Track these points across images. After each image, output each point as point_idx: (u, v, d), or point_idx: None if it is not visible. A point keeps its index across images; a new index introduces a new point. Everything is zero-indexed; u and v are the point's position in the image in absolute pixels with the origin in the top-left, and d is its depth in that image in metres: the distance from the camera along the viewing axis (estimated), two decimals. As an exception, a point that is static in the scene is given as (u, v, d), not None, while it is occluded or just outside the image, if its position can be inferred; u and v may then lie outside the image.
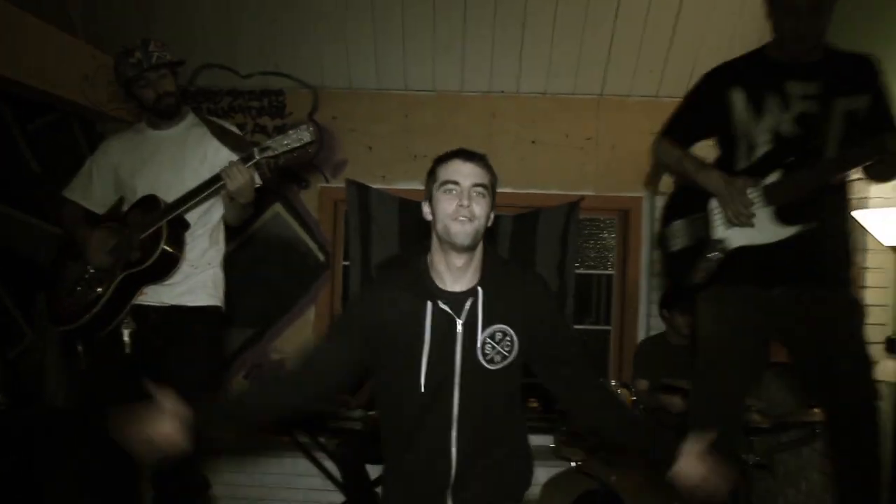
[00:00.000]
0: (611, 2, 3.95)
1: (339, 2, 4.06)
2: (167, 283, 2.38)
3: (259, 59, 4.31)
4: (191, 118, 2.56)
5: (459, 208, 1.67)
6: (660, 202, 4.24)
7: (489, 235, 1.79)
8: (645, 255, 4.35)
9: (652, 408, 3.44)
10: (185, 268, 2.40)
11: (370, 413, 3.40)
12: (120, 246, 2.35)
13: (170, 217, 2.30)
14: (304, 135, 2.26)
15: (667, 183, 4.22)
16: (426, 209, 1.77)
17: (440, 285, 1.74)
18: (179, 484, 2.40)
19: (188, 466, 2.41)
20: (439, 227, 1.70)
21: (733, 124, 2.18)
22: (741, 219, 2.10)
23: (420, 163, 4.28)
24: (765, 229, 2.09)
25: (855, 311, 2.21)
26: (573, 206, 4.28)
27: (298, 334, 4.27)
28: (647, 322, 4.24)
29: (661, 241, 2.41)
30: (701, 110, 2.28)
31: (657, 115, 4.19)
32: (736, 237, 2.14)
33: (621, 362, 4.33)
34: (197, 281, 2.45)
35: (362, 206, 4.25)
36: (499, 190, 4.34)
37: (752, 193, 2.09)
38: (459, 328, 1.70)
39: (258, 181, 2.43)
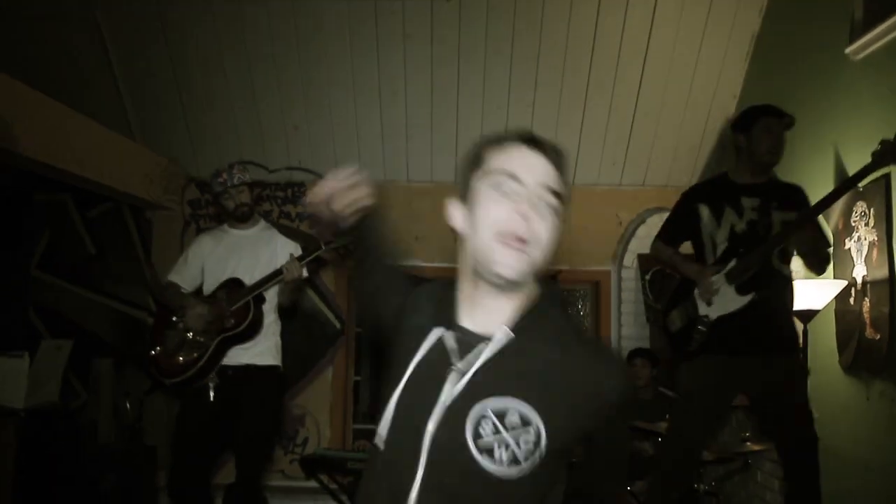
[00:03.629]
0: (578, 106, 4.76)
1: (351, 108, 4.88)
2: (244, 346, 3.07)
3: (284, 157, 5.09)
4: (262, 223, 3.33)
5: (515, 221, 1.14)
6: (625, 274, 5.00)
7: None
8: (614, 319, 5.05)
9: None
10: (259, 335, 3.10)
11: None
12: (216, 316, 3.05)
13: (255, 293, 3.03)
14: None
15: (629, 258, 5.00)
16: (457, 214, 1.24)
17: (458, 313, 1.24)
18: (245, 501, 3.05)
19: (253, 487, 3.06)
20: (479, 244, 1.17)
21: (701, 230, 2.94)
22: (705, 296, 2.85)
23: (421, 244, 5.02)
24: (730, 301, 2.80)
25: (800, 374, 2.92)
26: (551, 279, 5.00)
27: (317, 392, 4.92)
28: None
29: (664, 327, 3.13)
30: (680, 220, 3.06)
31: (620, 200, 5.08)
32: (713, 310, 2.85)
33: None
34: (266, 346, 3.16)
35: (372, 280, 4.96)
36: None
37: (717, 277, 2.83)
38: (449, 378, 1.16)
39: (305, 273, 3.18)
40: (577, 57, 4.55)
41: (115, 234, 5.11)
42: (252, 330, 3.07)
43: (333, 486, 4.10)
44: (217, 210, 3.64)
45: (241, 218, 3.26)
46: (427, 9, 4.42)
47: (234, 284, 3.09)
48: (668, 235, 3.10)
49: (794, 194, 2.93)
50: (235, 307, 3.03)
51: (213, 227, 3.57)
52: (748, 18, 4.36)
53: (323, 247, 3.08)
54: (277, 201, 5.15)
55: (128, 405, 4.67)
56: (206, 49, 4.65)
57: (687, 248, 3.09)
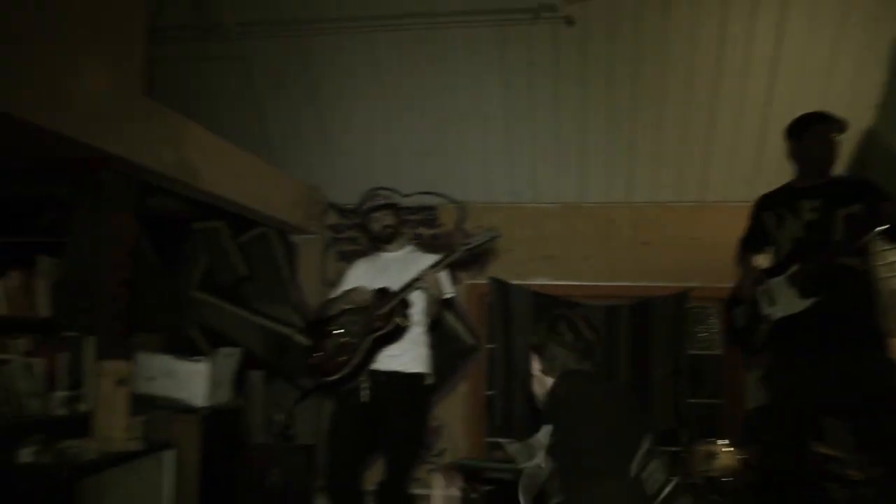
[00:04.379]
0: (706, 122, 4.77)
1: (479, 136, 5.10)
2: (395, 354, 3.32)
3: (417, 182, 5.37)
4: (410, 247, 3.61)
5: None
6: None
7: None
8: (748, 336, 4.97)
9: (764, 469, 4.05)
10: (407, 342, 3.34)
11: (523, 466, 4.14)
12: (366, 321, 3.33)
13: (400, 297, 3.29)
14: (493, 233, 3.33)
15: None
16: None
17: None
18: (393, 498, 3.28)
19: (401, 485, 3.29)
20: None
21: (769, 236, 3.00)
22: (743, 290, 2.96)
23: (551, 262, 5.16)
24: (792, 304, 2.85)
25: (885, 370, 2.80)
26: (682, 296, 4.99)
27: (452, 404, 5.12)
28: (754, 394, 4.83)
29: (728, 323, 3.22)
30: (751, 231, 3.21)
31: (751, 217, 5.00)
32: (776, 310, 2.89)
33: (733, 430, 4.90)
34: (414, 355, 3.40)
35: (503, 298, 5.15)
36: (615, 283, 5.11)
37: (779, 280, 2.87)
38: None
39: (450, 292, 3.43)
40: (702, 72, 4.58)
41: (264, 258, 5.53)
42: (399, 331, 3.31)
43: (474, 495, 4.26)
44: (363, 234, 3.95)
45: (387, 239, 3.54)
46: (550, 34, 4.59)
47: (381, 293, 3.36)
48: (746, 244, 3.25)
49: (860, 188, 2.93)
50: (383, 311, 3.29)
51: (368, 252, 3.84)
52: (886, 23, 4.26)
53: (454, 251, 3.31)
54: (411, 224, 5.41)
55: (279, 416, 5.03)
56: (343, 80, 5.00)
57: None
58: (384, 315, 3.30)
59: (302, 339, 5.09)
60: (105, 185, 3.38)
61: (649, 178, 5.09)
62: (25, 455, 2.60)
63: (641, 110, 4.81)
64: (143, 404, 3.33)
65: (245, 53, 5.02)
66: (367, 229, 3.63)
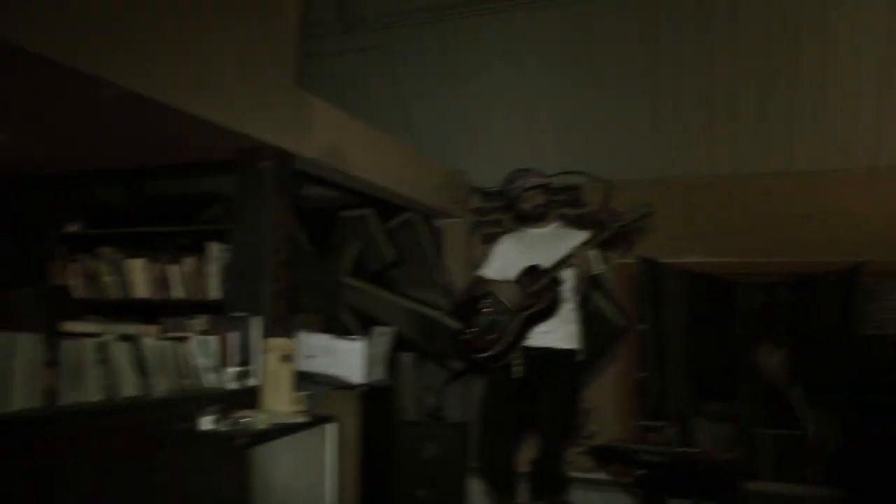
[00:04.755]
0: (877, 75, 4.36)
1: (623, 109, 4.95)
2: (546, 330, 3.31)
3: (559, 162, 5.29)
4: (558, 223, 3.57)
5: None
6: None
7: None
8: (933, 314, 4.52)
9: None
10: (558, 319, 3.32)
11: (676, 450, 4.02)
12: (519, 296, 3.34)
13: (552, 275, 3.27)
14: (646, 209, 3.26)
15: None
16: None
17: None
18: (547, 476, 3.28)
19: (555, 461, 3.27)
20: None
21: None
22: None
23: (703, 238, 4.93)
24: None
25: None
26: (853, 271, 4.59)
27: (602, 387, 5.02)
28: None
29: None
30: None
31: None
32: None
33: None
34: (566, 331, 3.38)
35: (653, 277, 4.98)
36: (774, 259, 4.82)
37: None
38: None
39: (601, 268, 3.36)
40: (876, 13, 4.18)
41: (411, 243, 5.65)
42: (551, 309, 3.28)
43: (626, 479, 4.17)
44: (509, 214, 3.94)
45: (537, 218, 3.51)
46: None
47: (532, 270, 3.34)
48: None
49: None
50: (535, 288, 3.28)
51: (515, 229, 3.83)
52: None
53: (607, 228, 3.24)
54: (556, 205, 5.34)
55: (430, 397, 5.15)
56: (482, 62, 5.03)
57: None
58: (536, 292, 3.30)
59: (450, 322, 5.16)
60: (264, 174, 3.58)
61: (811, 145, 4.74)
62: (205, 423, 2.82)
63: (801, 69, 4.49)
64: (305, 380, 3.50)
65: (387, 43, 5.15)
66: (515, 209, 3.62)
